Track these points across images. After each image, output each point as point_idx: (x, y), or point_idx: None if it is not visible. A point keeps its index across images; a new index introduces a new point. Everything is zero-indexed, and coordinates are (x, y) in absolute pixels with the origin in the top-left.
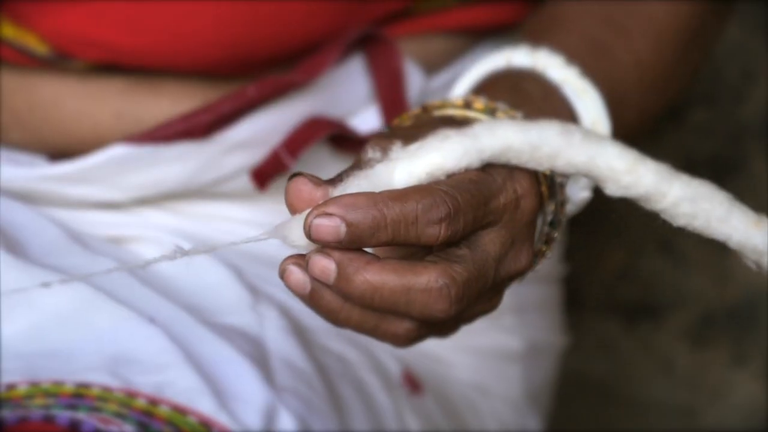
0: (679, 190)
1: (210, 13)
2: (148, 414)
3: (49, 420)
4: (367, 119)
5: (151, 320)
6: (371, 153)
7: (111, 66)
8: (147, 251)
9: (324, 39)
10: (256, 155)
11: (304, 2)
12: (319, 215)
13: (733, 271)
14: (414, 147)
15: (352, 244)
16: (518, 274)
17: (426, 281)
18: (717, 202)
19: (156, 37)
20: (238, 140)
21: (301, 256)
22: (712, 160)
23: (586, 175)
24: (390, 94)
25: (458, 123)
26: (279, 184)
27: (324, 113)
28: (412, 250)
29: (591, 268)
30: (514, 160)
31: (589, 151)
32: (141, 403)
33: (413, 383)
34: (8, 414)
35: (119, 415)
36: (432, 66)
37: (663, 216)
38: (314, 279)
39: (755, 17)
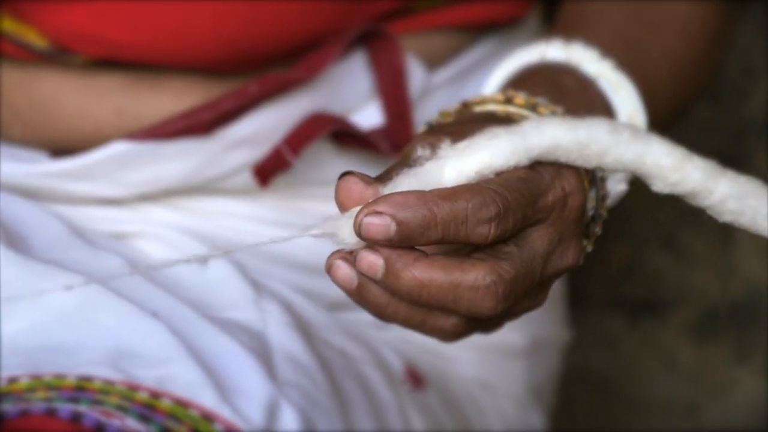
0: (725, 187)
1: (209, 9)
2: (150, 407)
3: (50, 413)
4: (368, 115)
5: (154, 315)
6: (420, 151)
7: (111, 62)
8: (149, 247)
9: (324, 36)
10: (257, 152)
11: (303, 1)
12: (369, 214)
13: (737, 268)
14: (463, 145)
15: (401, 243)
16: (565, 271)
17: (474, 278)
18: (764, 199)
19: (156, 34)
20: (239, 137)
21: (347, 251)
22: (716, 156)
23: (634, 173)
24: (392, 90)
25: (500, 119)
26: (280, 181)
27: (326, 109)
28: (456, 246)
29: (594, 264)
30: (563, 158)
31: (636, 148)
32: (143, 396)
33: (416, 379)
34: (10, 407)
35: (121, 408)
36: (433, 62)
37: (709, 212)
38: (362, 274)
39: (757, 15)
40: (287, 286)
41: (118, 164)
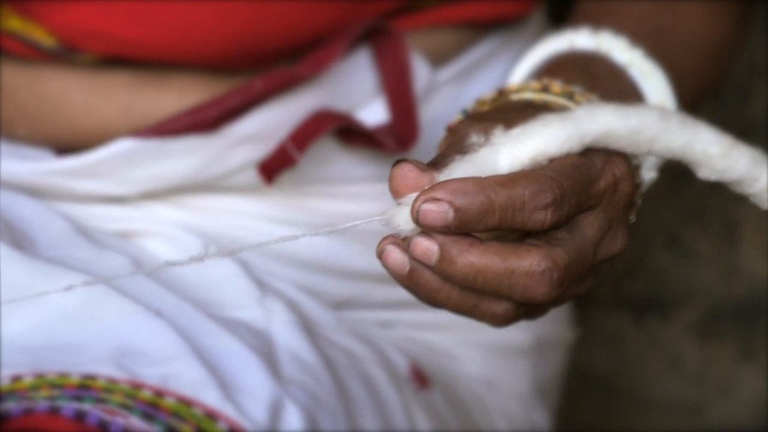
0: None
1: (215, 6)
2: (153, 405)
3: (54, 411)
4: (373, 112)
5: (158, 313)
6: (475, 137)
7: (118, 60)
8: (154, 245)
9: (329, 33)
10: (262, 149)
11: None
12: (427, 200)
13: (741, 266)
14: (516, 132)
15: (459, 230)
16: (613, 257)
17: (528, 265)
18: None
19: (162, 31)
20: (244, 134)
21: (398, 236)
22: None
23: (681, 159)
24: (397, 87)
25: (537, 107)
26: (285, 178)
27: (330, 106)
28: (502, 233)
29: None
30: (613, 145)
31: (686, 136)
32: (146, 394)
33: (421, 378)
34: (13, 406)
35: (125, 407)
36: (438, 59)
37: (752, 200)
38: (414, 260)
39: (760, 15)
40: (292, 285)
41: (123, 161)
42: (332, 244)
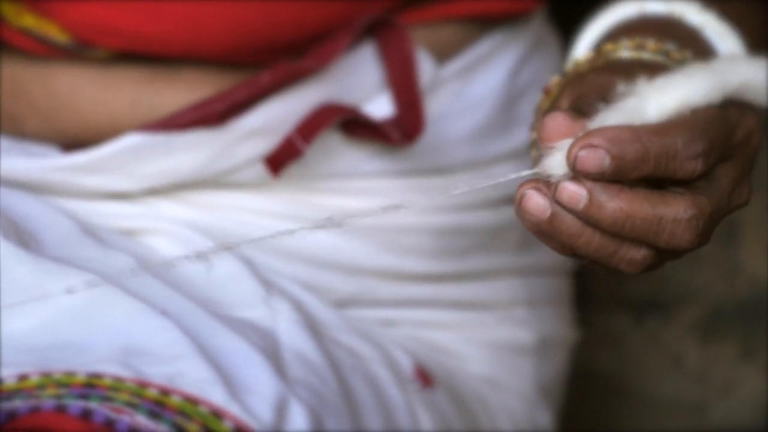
0: None
1: None
2: (159, 404)
3: (61, 410)
4: (379, 106)
5: (163, 312)
6: (621, 87)
7: (131, 55)
8: (159, 244)
9: (340, 26)
10: (269, 143)
11: None
12: (584, 147)
13: (742, 266)
14: (660, 82)
15: (613, 177)
16: (740, 208)
17: (676, 212)
18: None
19: (176, 24)
20: (251, 128)
21: (539, 181)
22: None
23: None
24: (402, 80)
25: (629, 67)
26: (291, 173)
27: (336, 100)
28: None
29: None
30: (749, 96)
31: None
32: (153, 393)
33: (425, 378)
34: (20, 404)
35: (131, 405)
36: (442, 54)
37: None
38: (558, 204)
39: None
40: (297, 283)
41: (130, 156)
42: (337, 239)
